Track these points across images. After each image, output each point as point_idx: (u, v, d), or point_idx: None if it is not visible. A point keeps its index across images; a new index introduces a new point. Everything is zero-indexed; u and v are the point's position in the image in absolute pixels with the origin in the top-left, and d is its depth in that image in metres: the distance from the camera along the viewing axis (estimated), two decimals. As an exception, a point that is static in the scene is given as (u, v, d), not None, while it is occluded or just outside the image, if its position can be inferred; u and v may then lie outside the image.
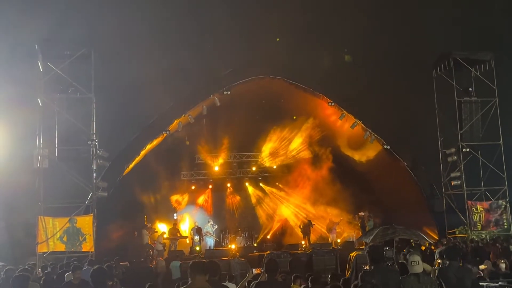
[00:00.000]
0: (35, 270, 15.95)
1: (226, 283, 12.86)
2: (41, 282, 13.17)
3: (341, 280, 10.44)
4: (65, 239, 19.72)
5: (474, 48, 24.68)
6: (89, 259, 16.59)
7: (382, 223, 22.10)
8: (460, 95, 24.69)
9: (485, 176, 24.88)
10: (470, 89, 24.66)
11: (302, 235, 26.13)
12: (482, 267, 13.17)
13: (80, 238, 19.93)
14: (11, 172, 19.32)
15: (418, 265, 7.88)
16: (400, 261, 13.01)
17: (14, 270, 11.43)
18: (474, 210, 24.00)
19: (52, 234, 19.54)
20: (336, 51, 24.95)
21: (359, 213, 25.21)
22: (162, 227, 27.05)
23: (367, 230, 22.07)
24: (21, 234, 20.50)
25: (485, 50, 24.58)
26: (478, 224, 23.96)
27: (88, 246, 19.93)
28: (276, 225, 29.91)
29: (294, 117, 27.73)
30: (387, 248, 13.59)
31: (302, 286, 11.38)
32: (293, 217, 29.80)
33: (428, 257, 17.17)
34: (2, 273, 12.54)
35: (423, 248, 20.47)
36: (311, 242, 25.31)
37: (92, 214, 20.38)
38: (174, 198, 29.09)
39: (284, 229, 29.83)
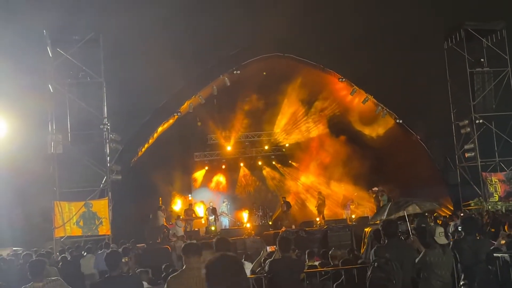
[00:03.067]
0: (53, 255, 16.17)
1: (242, 261, 12.96)
2: (59, 266, 13.37)
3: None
4: (81, 223, 19.86)
5: (485, 18, 24.35)
6: (105, 242, 16.76)
7: (397, 198, 22.08)
8: (472, 66, 24.41)
9: (499, 147, 24.67)
10: (482, 59, 24.39)
11: (317, 213, 26.22)
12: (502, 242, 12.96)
13: (96, 222, 20.06)
14: (26, 158, 19.43)
15: (443, 237, 7.95)
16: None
17: (31, 255, 11.58)
18: (489, 181, 23.86)
19: (68, 219, 19.69)
20: (345, 26, 24.70)
21: (373, 189, 25.17)
22: (178, 207, 27.31)
23: (381, 205, 22.02)
24: (38, 219, 20.70)
25: (496, 20, 24.25)
26: (495, 194, 23.82)
27: (104, 229, 20.06)
28: (291, 202, 30.01)
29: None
30: (400, 223, 13.52)
31: (317, 262, 11.43)
32: (307, 194, 29.88)
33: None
34: (20, 258, 12.73)
35: (439, 222, 20.42)
36: (326, 218, 25.43)
37: (107, 198, 20.51)
38: (188, 178, 29.28)
39: (300, 206, 29.96)
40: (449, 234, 15.31)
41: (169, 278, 6.29)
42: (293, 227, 24.14)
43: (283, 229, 23.31)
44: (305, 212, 28.81)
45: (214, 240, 7.11)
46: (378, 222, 18.27)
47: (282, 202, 26.53)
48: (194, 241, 14.45)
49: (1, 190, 18.42)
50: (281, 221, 26.00)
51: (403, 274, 7.32)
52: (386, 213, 15.75)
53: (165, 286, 6.23)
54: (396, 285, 7.16)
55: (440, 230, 8.03)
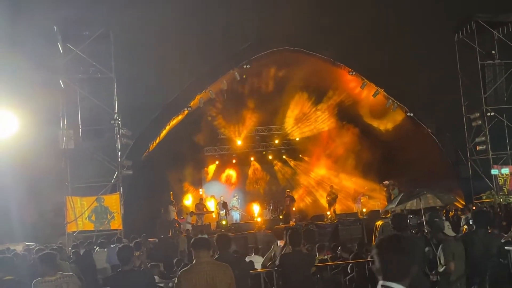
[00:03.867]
0: (65, 249, 16.28)
1: (252, 256, 13.03)
2: (71, 261, 13.45)
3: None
4: (93, 218, 20.00)
5: (495, 10, 24.16)
6: (117, 237, 16.84)
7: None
8: (483, 59, 24.27)
9: (511, 140, 24.56)
10: (493, 51, 24.24)
11: (328, 206, 26.17)
12: None
13: (108, 216, 20.19)
14: (38, 154, 19.54)
15: (451, 229, 7.98)
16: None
17: (44, 250, 11.65)
18: (499, 174, 23.74)
19: (80, 214, 19.83)
20: (355, 19, 24.62)
21: (384, 182, 25.14)
22: (189, 202, 27.41)
23: (392, 198, 22.00)
24: (51, 214, 20.85)
25: (507, 12, 24.06)
26: (504, 188, 23.72)
27: (116, 224, 20.20)
28: (301, 197, 30.05)
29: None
30: (411, 216, 13.51)
31: (328, 256, 11.46)
32: (318, 188, 29.87)
33: (454, 224, 17.12)
34: (32, 253, 12.82)
35: (451, 214, 20.38)
36: (337, 212, 25.42)
37: (118, 193, 20.63)
38: (199, 173, 29.36)
39: (311, 200, 29.99)
40: (463, 226, 15.25)
41: (179, 272, 6.33)
42: (291, 223, 24.07)
43: (293, 223, 23.37)
44: (316, 206, 28.81)
45: (215, 236, 7.15)
46: (389, 215, 18.30)
47: (286, 196, 26.52)
48: (205, 236, 14.51)
49: (14, 186, 18.56)
50: (291, 215, 25.98)
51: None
52: (397, 202, 15.76)
53: (176, 280, 6.28)
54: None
55: (447, 223, 8.06)
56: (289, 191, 27.34)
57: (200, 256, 6.26)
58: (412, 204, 15.57)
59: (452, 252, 7.68)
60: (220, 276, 6.17)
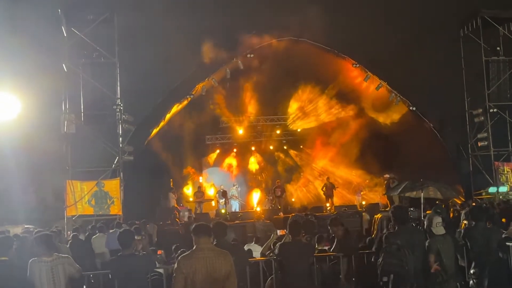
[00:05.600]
0: (64, 233, 16.32)
1: (252, 245, 13.05)
2: (70, 244, 13.50)
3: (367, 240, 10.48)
4: (93, 202, 20.04)
5: (501, 6, 24.04)
6: (116, 222, 16.86)
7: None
8: (487, 55, 24.17)
9: (513, 136, 24.53)
10: (498, 48, 24.14)
11: (325, 198, 26.12)
12: None
13: (108, 201, 20.23)
14: (40, 137, 19.53)
15: (441, 227, 7.89)
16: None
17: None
18: (501, 171, 23.73)
19: (80, 198, 19.86)
20: (360, 12, 24.52)
21: (384, 175, 25.12)
22: (189, 191, 27.43)
23: (393, 191, 22.00)
24: (51, 198, 20.86)
25: (512, 8, 23.96)
26: (506, 184, 23.69)
27: (116, 209, 20.24)
28: (301, 188, 30.06)
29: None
30: (412, 209, 13.49)
31: (327, 247, 11.45)
32: (318, 180, 29.86)
33: (454, 218, 17.11)
34: (32, 235, 12.83)
35: (452, 210, 20.34)
36: (336, 204, 25.40)
37: (119, 178, 20.64)
38: (200, 161, 29.37)
39: (310, 192, 30.00)
40: (462, 221, 15.24)
41: (179, 258, 6.32)
42: (281, 214, 23.99)
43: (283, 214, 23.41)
44: (317, 198, 28.81)
45: (211, 224, 7.14)
46: (388, 209, 18.27)
47: (276, 186, 26.42)
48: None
49: (14, 168, 18.56)
50: (282, 206, 25.79)
51: (415, 260, 7.32)
52: (400, 190, 15.69)
53: (175, 265, 6.27)
54: (408, 271, 7.17)
55: (437, 220, 7.94)
56: (279, 181, 27.20)
57: (200, 242, 6.25)
58: (411, 193, 15.52)
59: (437, 248, 7.66)
60: (220, 262, 6.16)
